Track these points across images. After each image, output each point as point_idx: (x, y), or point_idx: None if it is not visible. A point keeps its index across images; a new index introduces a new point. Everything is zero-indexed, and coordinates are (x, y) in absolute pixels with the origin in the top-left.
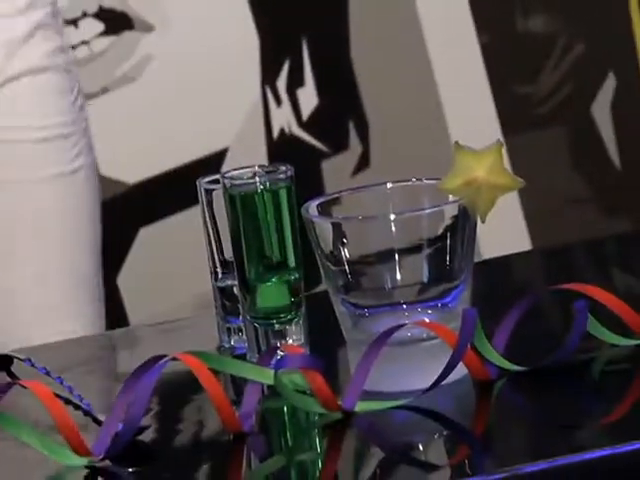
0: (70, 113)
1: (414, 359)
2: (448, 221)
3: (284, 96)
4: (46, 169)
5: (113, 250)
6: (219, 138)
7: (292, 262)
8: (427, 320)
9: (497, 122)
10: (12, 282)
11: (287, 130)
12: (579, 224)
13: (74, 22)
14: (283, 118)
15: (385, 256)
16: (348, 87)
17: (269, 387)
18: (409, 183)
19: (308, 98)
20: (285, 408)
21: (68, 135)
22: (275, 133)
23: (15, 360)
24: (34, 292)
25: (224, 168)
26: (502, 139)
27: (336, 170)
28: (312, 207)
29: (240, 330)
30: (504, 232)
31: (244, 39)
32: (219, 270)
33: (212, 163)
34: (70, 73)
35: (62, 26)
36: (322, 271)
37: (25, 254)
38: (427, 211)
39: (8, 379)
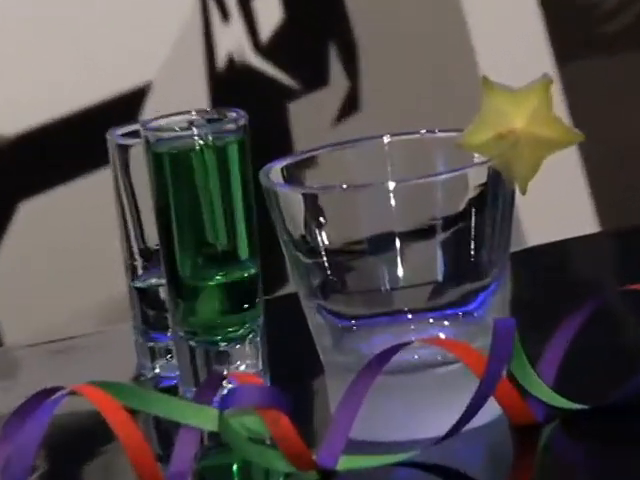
0: None
1: (423, 393)
2: (473, 192)
3: (233, 7)
4: None
5: None
6: (137, 70)
7: (245, 252)
8: (442, 336)
9: (547, 45)
10: None
11: (238, 58)
12: None
13: None
14: (232, 40)
15: (382, 243)
16: None
17: (211, 435)
18: (416, 136)
19: (268, 10)
20: (235, 467)
21: None
22: (220, 62)
23: None
24: None
25: (145, 114)
26: (553, 72)
27: (310, 116)
28: (275, 171)
29: (169, 351)
30: (558, 207)
31: None
32: (138, 264)
33: (128, 107)
34: None
35: None
36: (289, 265)
37: None
38: (442, 177)
39: None
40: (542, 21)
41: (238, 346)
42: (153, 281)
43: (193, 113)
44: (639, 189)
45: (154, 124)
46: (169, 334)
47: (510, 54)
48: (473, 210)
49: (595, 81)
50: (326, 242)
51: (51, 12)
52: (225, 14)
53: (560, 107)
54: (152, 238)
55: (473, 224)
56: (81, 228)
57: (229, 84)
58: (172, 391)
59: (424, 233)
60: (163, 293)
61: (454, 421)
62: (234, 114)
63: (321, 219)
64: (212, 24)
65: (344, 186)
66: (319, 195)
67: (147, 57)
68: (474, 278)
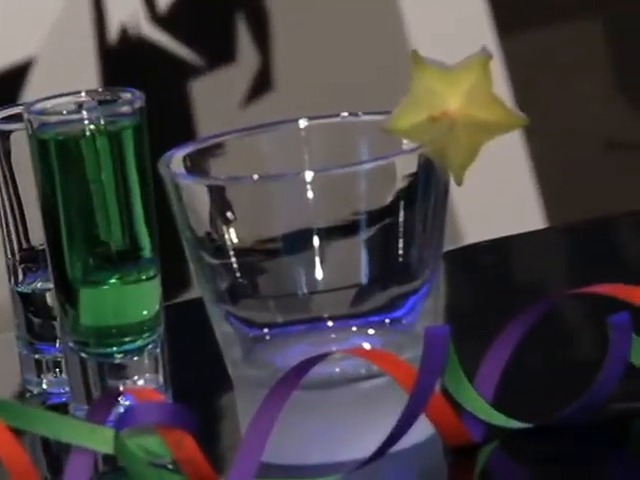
0: None
1: (345, 410)
2: (401, 183)
3: None
4: None
5: None
6: (17, 43)
7: (143, 252)
8: (367, 346)
9: (486, 15)
10: None
11: (132, 29)
12: (617, 184)
13: None
14: (125, 8)
15: (298, 241)
16: None
17: (106, 458)
18: (337, 119)
19: None
20: None
21: None
22: (112, 34)
23: None
24: None
25: (27, 95)
26: (492, 45)
27: (216, 97)
28: (177, 159)
29: (57, 364)
30: (498, 200)
31: None
32: (21, 266)
33: (8, 86)
34: None
35: None
36: (193, 267)
37: None
38: (366, 166)
39: None
40: None
41: (136, 358)
42: (39, 285)
43: (82, 94)
44: (589, 174)
45: (38, 106)
46: (57, 345)
47: (444, 24)
48: (402, 203)
49: (541, 55)
50: (235, 240)
51: None
52: None
53: (501, 86)
54: (37, 236)
55: (402, 219)
56: None
57: (123, 59)
58: (62, 409)
59: (346, 230)
60: (50, 299)
61: (381, 441)
62: (129, 95)
63: (229, 214)
64: None
65: (255, 177)
66: (226, 187)
67: (28, 28)
68: (403, 280)
